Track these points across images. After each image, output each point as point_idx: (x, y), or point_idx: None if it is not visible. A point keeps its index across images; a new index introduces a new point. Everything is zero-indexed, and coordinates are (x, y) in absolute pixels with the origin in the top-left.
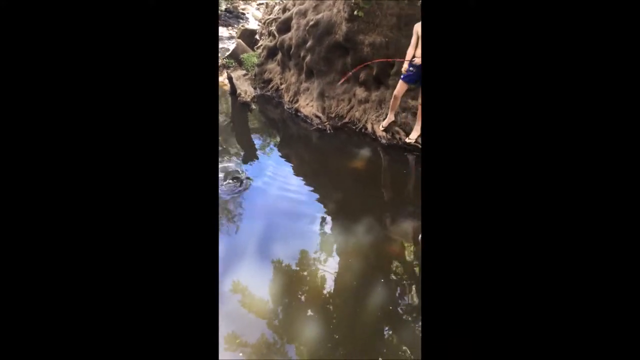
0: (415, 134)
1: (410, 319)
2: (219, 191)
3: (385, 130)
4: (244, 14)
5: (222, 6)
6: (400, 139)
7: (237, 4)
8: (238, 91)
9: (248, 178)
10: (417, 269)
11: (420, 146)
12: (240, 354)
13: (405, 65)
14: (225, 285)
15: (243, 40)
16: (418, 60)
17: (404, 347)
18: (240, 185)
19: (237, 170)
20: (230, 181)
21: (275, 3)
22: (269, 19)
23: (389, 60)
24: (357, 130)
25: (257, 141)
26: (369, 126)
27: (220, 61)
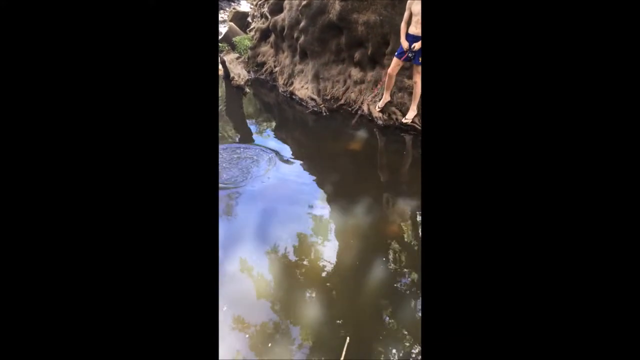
0: (411, 114)
1: (410, 297)
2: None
3: (382, 111)
4: None
5: None
6: (396, 119)
7: None
8: (231, 75)
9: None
10: (415, 248)
11: (417, 126)
12: (247, 336)
13: (406, 45)
14: (227, 269)
15: (235, 23)
16: (418, 45)
17: (404, 331)
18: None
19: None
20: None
21: None
22: (260, 0)
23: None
24: (353, 112)
25: (252, 126)
26: (365, 107)
27: None
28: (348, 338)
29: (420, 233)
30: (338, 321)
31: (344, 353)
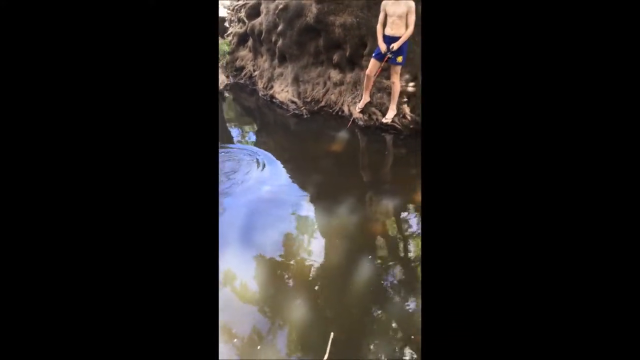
0: (391, 114)
1: (397, 295)
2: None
3: (362, 111)
4: None
5: None
6: (377, 119)
7: None
8: None
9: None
10: (400, 245)
11: (397, 126)
12: (235, 340)
13: (383, 47)
14: None
15: None
16: (396, 46)
17: (394, 325)
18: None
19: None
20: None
21: None
22: (237, 4)
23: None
24: (333, 113)
25: (233, 131)
26: (345, 108)
27: None
28: (332, 334)
29: (414, 230)
30: (326, 320)
31: (328, 349)
